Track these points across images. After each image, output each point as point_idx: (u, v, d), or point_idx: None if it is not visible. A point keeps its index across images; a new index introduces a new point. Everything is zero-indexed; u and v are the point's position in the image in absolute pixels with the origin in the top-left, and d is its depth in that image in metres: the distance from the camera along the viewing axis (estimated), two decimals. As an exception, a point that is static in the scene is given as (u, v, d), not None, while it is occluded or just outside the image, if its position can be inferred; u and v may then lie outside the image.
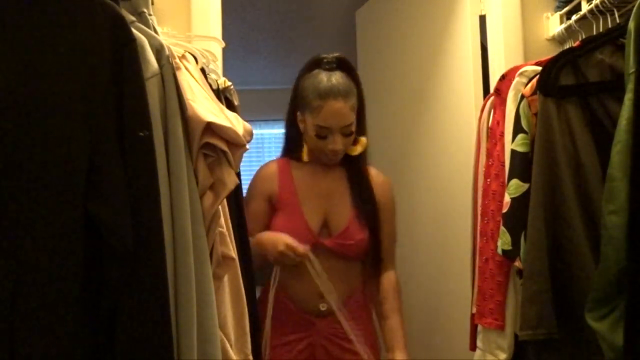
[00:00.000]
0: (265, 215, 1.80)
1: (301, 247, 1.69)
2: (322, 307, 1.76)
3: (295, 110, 1.81)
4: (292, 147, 1.86)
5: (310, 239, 1.74)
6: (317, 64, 1.78)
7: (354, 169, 1.84)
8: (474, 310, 1.57)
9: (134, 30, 1.02)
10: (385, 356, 1.79)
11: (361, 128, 1.81)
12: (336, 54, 1.79)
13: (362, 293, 1.85)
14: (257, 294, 1.68)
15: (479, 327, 1.53)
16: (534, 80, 1.42)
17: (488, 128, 1.63)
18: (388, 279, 1.86)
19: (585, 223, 1.32)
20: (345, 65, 1.78)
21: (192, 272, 1.06)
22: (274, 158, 1.94)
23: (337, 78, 1.73)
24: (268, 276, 1.78)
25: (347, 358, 1.76)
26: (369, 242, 1.81)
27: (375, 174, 1.88)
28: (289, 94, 1.86)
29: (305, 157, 1.82)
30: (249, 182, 1.90)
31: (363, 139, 1.82)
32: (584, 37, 1.74)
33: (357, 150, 1.82)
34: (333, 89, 1.71)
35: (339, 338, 1.77)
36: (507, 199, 1.41)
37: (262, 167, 1.90)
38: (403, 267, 2.49)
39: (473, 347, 1.60)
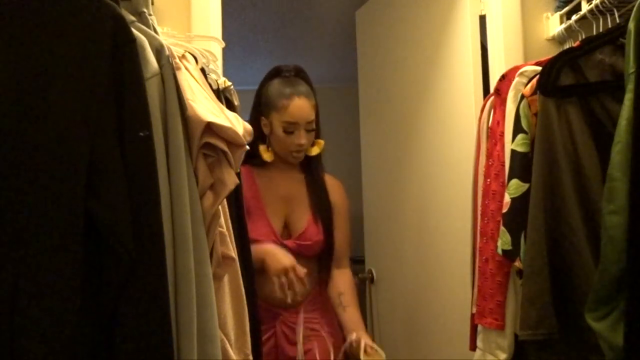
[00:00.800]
0: None
1: (301, 271, 1.81)
2: (288, 300, 1.87)
3: (259, 117, 1.96)
4: (254, 153, 1.96)
5: (274, 241, 1.90)
6: (276, 73, 1.97)
7: (312, 174, 2.02)
8: (474, 310, 1.57)
9: (134, 30, 1.02)
10: (348, 337, 1.91)
11: (317, 131, 1.99)
12: (293, 65, 1.99)
13: (319, 288, 2.00)
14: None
15: (479, 327, 1.53)
16: (534, 80, 1.42)
17: (488, 128, 1.63)
18: (346, 275, 2.04)
19: (585, 223, 1.32)
20: (302, 74, 1.99)
21: (192, 272, 1.06)
22: None
23: (297, 82, 1.95)
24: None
25: (306, 344, 1.91)
26: (325, 243, 1.98)
27: (329, 178, 2.06)
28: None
29: (267, 157, 1.95)
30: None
31: (320, 141, 2.00)
32: (584, 37, 1.74)
33: (315, 150, 1.99)
34: (296, 89, 1.92)
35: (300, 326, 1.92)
36: (507, 199, 1.41)
37: None
38: (403, 266, 2.50)
39: (473, 347, 1.61)
